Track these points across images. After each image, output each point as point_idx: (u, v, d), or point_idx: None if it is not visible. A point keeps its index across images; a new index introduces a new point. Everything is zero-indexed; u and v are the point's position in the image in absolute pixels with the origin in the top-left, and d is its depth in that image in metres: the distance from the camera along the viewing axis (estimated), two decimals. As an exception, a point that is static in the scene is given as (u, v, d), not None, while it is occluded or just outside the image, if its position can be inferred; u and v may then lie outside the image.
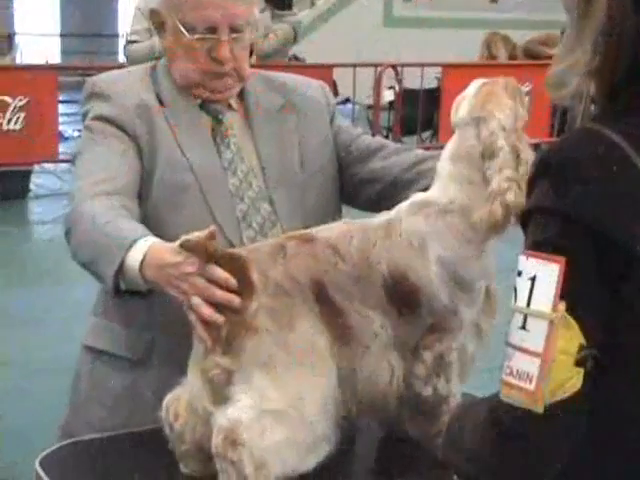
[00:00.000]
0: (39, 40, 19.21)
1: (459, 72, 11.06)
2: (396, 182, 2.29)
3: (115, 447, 2.12)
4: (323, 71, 9.78)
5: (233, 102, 2.38)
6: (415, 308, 1.92)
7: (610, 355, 1.41)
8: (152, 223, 2.11)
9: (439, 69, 11.18)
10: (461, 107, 2.01)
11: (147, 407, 2.11)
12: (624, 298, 1.40)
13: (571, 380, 1.38)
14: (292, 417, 1.78)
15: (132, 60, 6.51)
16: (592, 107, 1.53)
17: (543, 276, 1.39)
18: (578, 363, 1.38)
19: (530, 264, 1.42)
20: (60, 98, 10.01)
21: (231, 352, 1.80)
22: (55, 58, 17.11)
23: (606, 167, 1.41)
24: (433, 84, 11.46)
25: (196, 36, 2.25)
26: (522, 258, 1.43)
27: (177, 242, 1.85)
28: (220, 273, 1.81)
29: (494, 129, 1.94)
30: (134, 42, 6.45)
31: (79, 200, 2.11)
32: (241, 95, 2.39)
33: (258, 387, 1.79)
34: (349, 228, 1.95)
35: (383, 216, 1.99)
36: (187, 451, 1.94)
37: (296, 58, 10.93)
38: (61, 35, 21.05)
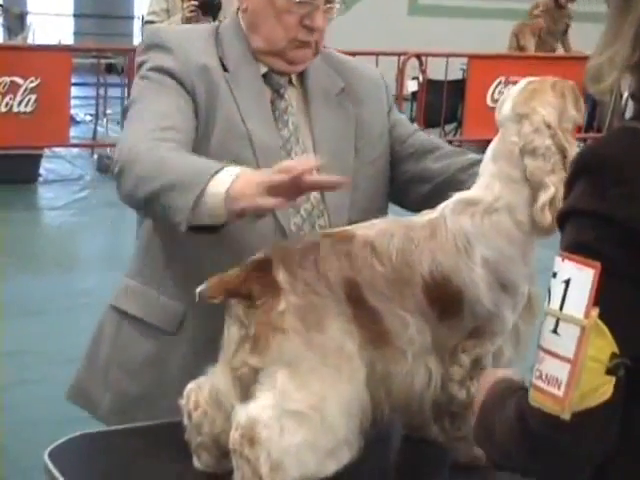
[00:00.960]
0: (52, 20, 19.05)
1: (485, 63, 10.87)
2: (449, 182, 2.21)
3: (125, 440, 2.11)
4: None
5: (294, 77, 2.32)
6: (457, 312, 1.87)
7: None
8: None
9: (465, 60, 10.98)
10: (505, 104, 1.97)
11: (172, 380, 2.11)
12: None
13: (602, 388, 1.36)
14: (313, 420, 1.74)
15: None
16: (622, 103, 1.51)
17: (577, 280, 1.37)
18: (609, 372, 1.35)
19: (565, 267, 1.39)
20: (73, 81, 9.91)
21: (258, 350, 1.78)
22: (68, 39, 16.88)
23: None
24: (458, 75, 11.29)
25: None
26: (558, 259, 1.41)
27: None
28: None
29: (537, 125, 1.90)
30: (152, 22, 6.31)
31: (136, 141, 2.05)
32: (301, 74, 2.32)
33: (281, 386, 1.76)
34: (391, 226, 1.89)
35: (427, 215, 1.94)
36: (203, 443, 1.91)
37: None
38: (74, 15, 20.88)
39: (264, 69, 2.27)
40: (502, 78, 10.81)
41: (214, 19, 6.03)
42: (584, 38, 11.88)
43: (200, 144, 2.14)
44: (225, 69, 2.22)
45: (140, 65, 2.25)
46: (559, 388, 1.37)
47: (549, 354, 1.39)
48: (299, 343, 1.77)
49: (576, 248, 1.39)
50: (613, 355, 1.35)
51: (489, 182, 1.92)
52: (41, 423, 3.96)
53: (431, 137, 2.45)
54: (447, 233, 1.87)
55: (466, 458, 1.98)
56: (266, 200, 1.83)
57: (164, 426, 2.01)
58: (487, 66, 10.93)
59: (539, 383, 1.40)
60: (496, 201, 1.90)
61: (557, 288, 1.40)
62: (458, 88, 10.84)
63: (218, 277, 1.83)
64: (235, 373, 1.83)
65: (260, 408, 1.74)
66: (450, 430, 1.96)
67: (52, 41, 12.24)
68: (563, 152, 1.88)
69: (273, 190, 1.82)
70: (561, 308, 1.38)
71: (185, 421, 1.92)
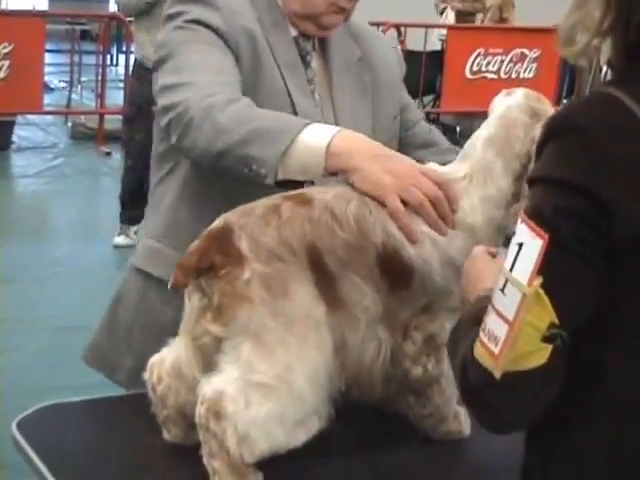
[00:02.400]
0: (27, -14, 18.83)
1: (464, 35, 10.81)
2: None
3: (96, 411, 2.09)
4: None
5: (317, 44, 2.26)
6: (407, 285, 1.85)
7: (616, 327, 1.40)
8: None
9: (444, 31, 10.88)
10: (516, 92, 1.96)
11: None
12: (628, 270, 1.37)
13: (536, 354, 1.36)
14: (280, 390, 1.71)
15: (123, 7, 6.38)
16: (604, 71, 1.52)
17: (528, 246, 1.37)
18: (546, 339, 1.36)
19: (521, 230, 1.39)
20: (47, 47, 9.79)
21: (222, 319, 1.75)
22: (42, 4, 16.68)
23: (617, 134, 1.37)
24: (437, 46, 11.15)
25: None
26: (519, 220, 1.41)
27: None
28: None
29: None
30: None
31: (205, 93, 1.94)
32: (322, 41, 2.26)
33: (246, 358, 1.73)
34: (347, 191, 1.85)
35: None
36: (169, 416, 1.90)
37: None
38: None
39: (293, 32, 2.21)
40: (481, 50, 10.79)
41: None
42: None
43: None
44: (264, 29, 2.15)
45: (172, 16, 2.12)
46: (496, 345, 1.38)
47: (494, 311, 1.40)
48: (265, 312, 1.73)
49: (533, 214, 1.39)
50: (551, 324, 1.36)
51: (459, 165, 1.93)
52: (10, 393, 3.91)
53: (433, 128, 2.43)
54: None
55: (439, 435, 1.98)
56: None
57: (136, 397, 1.97)
58: (466, 38, 10.89)
59: (482, 336, 1.41)
60: (453, 181, 1.88)
61: (512, 249, 1.40)
62: (437, 59, 10.81)
63: (178, 264, 1.78)
64: (196, 343, 1.80)
65: (225, 381, 1.72)
66: (416, 407, 1.95)
67: (26, 6, 12.09)
68: None
69: None
70: (511, 269, 1.39)
71: (150, 394, 1.90)
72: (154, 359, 1.90)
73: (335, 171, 1.85)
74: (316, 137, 1.85)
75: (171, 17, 2.12)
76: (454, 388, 1.91)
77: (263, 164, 1.85)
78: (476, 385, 1.42)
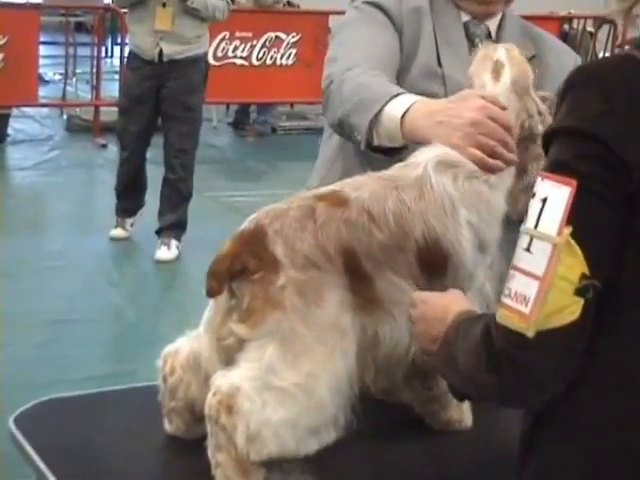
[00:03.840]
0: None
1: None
2: None
3: (93, 405, 2.09)
4: (318, 18, 9.55)
5: (493, 32, 2.36)
6: (444, 274, 1.86)
7: (610, 292, 1.39)
8: None
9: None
10: (503, 74, 1.96)
11: None
12: (633, 231, 1.38)
13: (569, 308, 1.36)
14: (298, 398, 1.71)
15: (118, -1, 6.24)
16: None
17: (554, 198, 1.37)
18: (578, 292, 1.36)
19: (543, 185, 1.40)
20: (41, 39, 9.72)
21: (250, 322, 1.74)
22: (37, -3, 16.61)
23: (632, 89, 1.40)
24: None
25: None
26: (538, 180, 1.41)
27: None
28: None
29: (533, 113, 1.94)
30: None
31: (348, 65, 2.16)
32: (498, 32, 2.36)
33: (269, 361, 1.72)
34: (381, 187, 1.84)
35: (408, 170, 1.90)
36: (176, 408, 1.90)
37: (289, 4, 10.64)
38: (43, -27, 20.56)
39: (465, 18, 2.32)
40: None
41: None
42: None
43: (397, 78, 2.24)
44: (433, 12, 2.30)
45: None
46: (526, 305, 1.37)
47: (520, 271, 1.40)
48: (296, 319, 1.73)
49: (555, 166, 1.41)
50: (583, 276, 1.36)
51: None
52: (8, 387, 3.89)
53: None
54: (434, 194, 1.85)
55: (439, 423, 1.98)
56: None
57: (134, 391, 2.00)
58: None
59: (507, 301, 1.41)
60: (477, 170, 1.88)
61: (534, 207, 1.40)
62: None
63: (211, 271, 1.77)
64: (220, 343, 1.80)
65: (243, 378, 1.71)
66: (421, 391, 1.95)
67: (20, -1, 12.06)
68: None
69: None
70: (536, 226, 1.39)
71: (160, 384, 1.90)
72: (169, 349, 1.91)
73: (408, 138, 1.98)
74: (396, 108, 1.99)
75: None
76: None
77: (359, 131, 2.03)
78: (505, 348, 1.40)
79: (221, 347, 1.80)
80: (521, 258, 1.41)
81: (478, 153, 1.87)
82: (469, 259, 1.86)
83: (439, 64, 2.27)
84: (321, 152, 2.46)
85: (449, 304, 1.67)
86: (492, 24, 2.35)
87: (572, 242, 1.36)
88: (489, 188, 1.89)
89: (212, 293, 1.77)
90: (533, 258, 1.38)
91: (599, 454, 1.44)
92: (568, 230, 1.36)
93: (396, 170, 1.91)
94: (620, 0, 1.51)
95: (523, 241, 1.41)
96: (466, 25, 2.34)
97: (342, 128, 2.13)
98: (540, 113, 1.95)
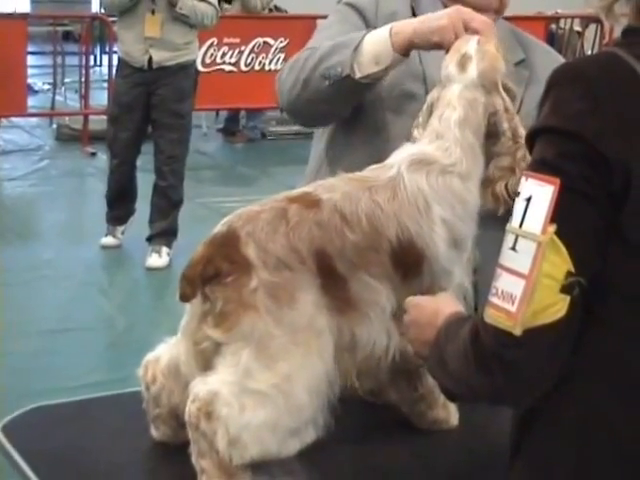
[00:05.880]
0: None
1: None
2: None
3: (81, 412, 2.09)
4: (305, 22, 9.53)
5: None
6: (419, 273, 1.86)
7: (595, 289, 1.40)
8: (371, 122, 2.24)
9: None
10: (469, 67, 1.94)
11: None
12: (617, 227, 1.38)
13: (555, 306, 1.37)
14: (276, 400, 1.71)
15: (107, 5, 6.37)
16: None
17: (538, 197, 1.39)
18: (564, 290, 1.37)
19: (528, 185, 1.41)
20: (29, 49, 9.71)
21: (224, 325, 1.73)
22: (24, 6, 16.62)
23: (615, 88, 1.40)
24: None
25: None
26: (522, 179, 1.43)
27: None
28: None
29: (499, 109, 1.93)
30: None
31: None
32: None
33: (245, 364, 1.72)
34: (354, 188, 1.84)
35: (381, 171, 1.90)
36: (160, 415, 1.90)
37: (277, 9, 10.63)
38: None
39: None
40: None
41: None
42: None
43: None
44: (414, 14, 2.30)
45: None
46: (513, 304, 1.38)
47: (506, 270, 1.41)
48: (270, 321, 1.73)
49: (539, 165, 1.41)
50: (568, 273, 1.37)
51: (450, 146, 1.91)
52: (0, 396, 3.88)
53: None
54: (407, 193, 1.85)
55: (426, 423, 1.98)
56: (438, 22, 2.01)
57: (121, 397, 2.00)
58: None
59: (494, 300, 1.42)
60: (452, 165, 1.89)
61: (519, 207, 1.41)
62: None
63: (183, 275, 1.77)
64: (197, 347, 1.80)
65: (220, 383, 1.71)
66: (407, 392, 1.95)
67: (8, 9, 12.03)
68: (516, 135, 1.91)
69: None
70: (521, 225, 1.40)
71: (143, 392, 1.90)
72: (149, 357, 1.90)
73: (401, 46, 2.05)
74: (379, 32, 2.07)
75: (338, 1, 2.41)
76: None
77: (340, 66, 2.06)
78: (493, 347, 1.41)
79: (198, 352, 1.79)
80: (507, 257, 1.42)
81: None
82: (444, 256, 1.86)
83: (420, 62, 2.26)
84: (310, 159, 2.46)
85: (439, 308, 1.67)
86: None
87: (556, 240, 1.37)
88: (462, 182, 1.89)
89: (185, 298, 1.77)
90: (518, 257, 1.39)
91: (586, 451, 1.44)
92: (552, 228, 1.37)
93: (369, 171, 1.91)
94: None
95: (509, 240, 1.42)
96: None
97: (306, 88, 2.14)
98: (507, 110, 1.94)
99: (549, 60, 2.36)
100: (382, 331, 1.85)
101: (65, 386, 4.22)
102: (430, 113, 1.97)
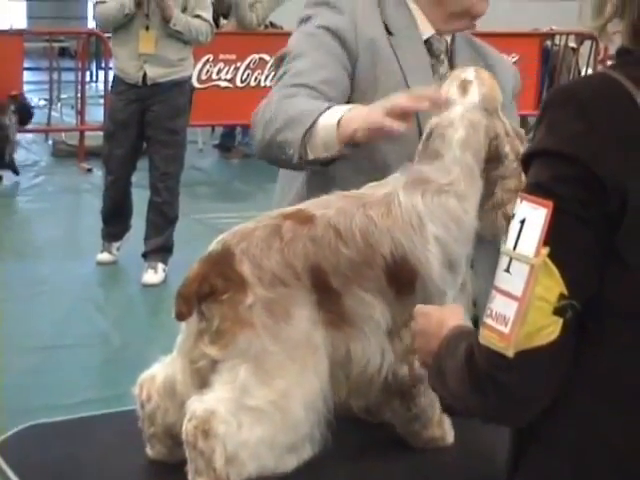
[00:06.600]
0: (4, 3, 18.80)
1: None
2: None
3: (76, 430, 2.09)
4: (301, 39, 9.45)
5: (443, 54, 2.35)
6: (412, 290, 1.86)
7: (592, 307, 1.40)
8: (364, 151, 2.11)
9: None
10: (471, 90, 1.97)
11: None
12: (614, 247, 1.38)
13: (548, 328, 1.37)
14: (274, 417, 1.71)
15: (101, 21, 6.35)
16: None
17: (531, 220, 1.39)
18: (557, 312, 1.37)
19: (522, 207, 1.42)
20: (25, 65, 9.68)
21: (221, 343, 1.74)
22: (21, 22, 16.64)
23: (610, 110, 1.41)
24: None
25: None
26: (517, 201, 1.43)
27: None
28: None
29: (500, 132, 1.95)
30: (103, 2, 6.15)
31: (273, 95, 2.14)
32: (451, 45, 2.37)
33: (243, 381, 1.72)
34: (348, 204, 1.85)
35: (378, 188, 1.92)
36: (156, 434, 1.89)
37: (273, 25, 10.64)
38: (28, -2, 20.61)
39: (428, 34, 2.31)
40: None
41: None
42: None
43: (360, 101, 2.15)
44: (389, 33, 2.26)
45: (305, 20, 2.29)
46: (506, 325, 1.39)
47: (500, 292, 1.41)
48: (267, 337, 1.73)
49: (533, 188, 1.42)
50: (561, 296, 1.37)
51: (448, 166, 1.92)
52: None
53: None
54: (401, 210, 1.86)
55: (421, 442, 1.97)
56: (378, 117, 1.88)
57: (116, 415, 2.01)
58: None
59: (489, 321, 1.42)
60: (450, 185, 1.90)
61: (513, 229, 1.42)
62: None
63: (179, 293, 1.77)
64: (194, 365, 1.80)
65: (217, 401, 1.71)
66: (401, 411, 1.95)
67: (4, 25, 12.05)
68: (519, 158, 1.90)
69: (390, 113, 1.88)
70: (514, 247, 1.40)
71: (138, 411, 1.90)
72: (145, 375, 1.90)
73: (345, 139, 1.94)
74: (332, 115, 1.96)
75: (303, 21, 2.29)
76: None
77: (292, 146, 1.98)
78: (486, 369, 1.42)
79: (194, 370, 1.79)
80: (501, 279, 1.43)
81: (388, 120, 1.88)
82: (438, 276, 1.87)
83: (405, 80, 2.24)
84: (280, 192, 2.40)
85: (445, 319, 1.67)
86: (448, 37, 2.36)
87: (549, 263, 1.37)
88: (458, 202, 1.89)
89: (181, 316, 1.77)
90: (512, 279, 1.40)
91: (585, 469, 1.44)
92: (545, 251, 1.37)
93: (365, 189, 1.92)
94: (595, 17, 1.52)
95: (503, 262, 1.43)
96: (429, 41, 2.32)
97: (270, 150, 2.08)
98: (507, 134, 1.96)
99: (505, 67, 2.42)
100: (377, 349, 1.85)
101: (61, 403, 4.21)
102: (429, 137, 1.97)
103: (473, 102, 1.96)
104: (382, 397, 1.94)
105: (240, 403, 1.71)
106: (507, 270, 1.41)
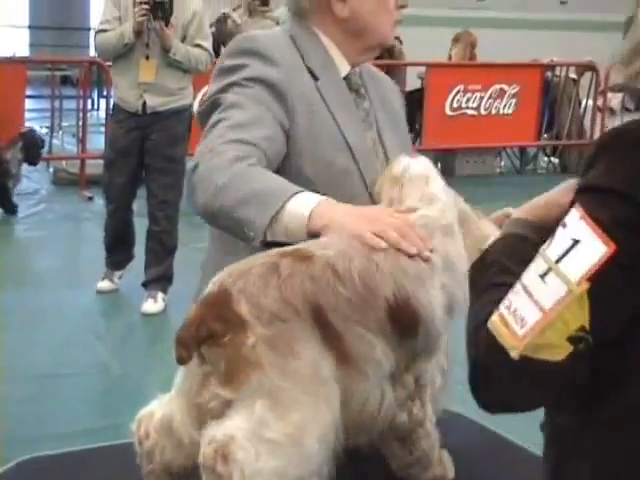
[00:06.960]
0: (7, 32, 18.90)
1: (444, 71, 10.88)
2: None
3: (75, 463, 2.09)
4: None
5: (362, 89, 2.33)
6: (415, 334, 1.85)
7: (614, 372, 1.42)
8: None
9: (423, 68, 10.93)
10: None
11: None
12: None
13: (558, 349, 1.39)
14: (289, 450, 1.70)
15: (101, 50, 6.41)
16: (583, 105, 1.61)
17: (587, 247, 1.38)
18: (571, 340, 1.38)
19: (580, 226, 1.39)
20: (27, 93, 9.73)
21: (233, 384, 1.72)
22: (23, 51, 16.74)
23: None
24: (417, 84, 11.20)
25: None
26: (574, 212, 1.41)
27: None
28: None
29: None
30: (104, 31, 6.18)
31: (219, 150, 2.01)
32: (363, 84, 2.35)
33: (259, 415, 1.71)
34: (348, 246, 1.84)
35: None
36: (153, 471, 1.88)
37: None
38: (30, 27, 20.72)
39: (344, 72, 2.28)
40: (461, 86, 10.85)
41: (166, 24, 5.97)
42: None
43: (296, 155, 2.13)
44: (315, 78, 2.22)
45: (231, 69, 2.18)
46: (522, 328, 1.40)
47: (526, 293, 1.41)
48: (276, 374, 1.72)
49: (597, 218, 1.40)
50: (581, 328, 1.38)
51: (446, 210, 1.97)
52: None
53: None
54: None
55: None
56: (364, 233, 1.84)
57: (116, 448, 1.99)
58: (445, 75, 10.96)
59: (505, 312, 1.43)
60: (450, 226, 1.93)
61: (563, 240, 1.41)
62: (414, 97, 10.78)
63: (178, 338, 1.75)
64: (203, 408, 1.77)
65: (236, 428, 1.69)
66: (401, 455, 1.94)
67: (7, 53, 12.12)
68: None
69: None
70: (558, 261, 1.40)
71: (136, 447, 1.89)
72: (143, 412, 1.89)
73: (315, 231, 1.88)
74: (301, 205, 1.89)
75: (230, 70, 2.17)
76: (436, 432, 1.90)
77: (253, 227, 1.90)
78: (486, 361, 1.44)
79: (203, 411, 1.77)
80: (532, 281, 1.43)
81: (379, 241, 1.85)
82: (438, 319, 1.86)
83: (342, 134, 2.20)
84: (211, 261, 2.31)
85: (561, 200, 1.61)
86: (357, 69, 2.34)
87: (585, 296, 1.38)
88: (457, 244, 1.92)
89: (182, 361, 1.76)
90: (545, 289, 1.40)
91: None
92: (587, 285, 1.38)
93: None
94: (627, 65, 1.53)
95: (539, 265, 1.43)
96: (348, 77, 2.30)
97: (218, 220, 1.99)
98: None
99: (391, 88, 2.47)
100: (377, 388, 1.84)
101: (59, 432, 4.20)
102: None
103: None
104: (382, 441, 1.93)
105: (258, 434, 1.69)
106: (542, 277, 1.41)
